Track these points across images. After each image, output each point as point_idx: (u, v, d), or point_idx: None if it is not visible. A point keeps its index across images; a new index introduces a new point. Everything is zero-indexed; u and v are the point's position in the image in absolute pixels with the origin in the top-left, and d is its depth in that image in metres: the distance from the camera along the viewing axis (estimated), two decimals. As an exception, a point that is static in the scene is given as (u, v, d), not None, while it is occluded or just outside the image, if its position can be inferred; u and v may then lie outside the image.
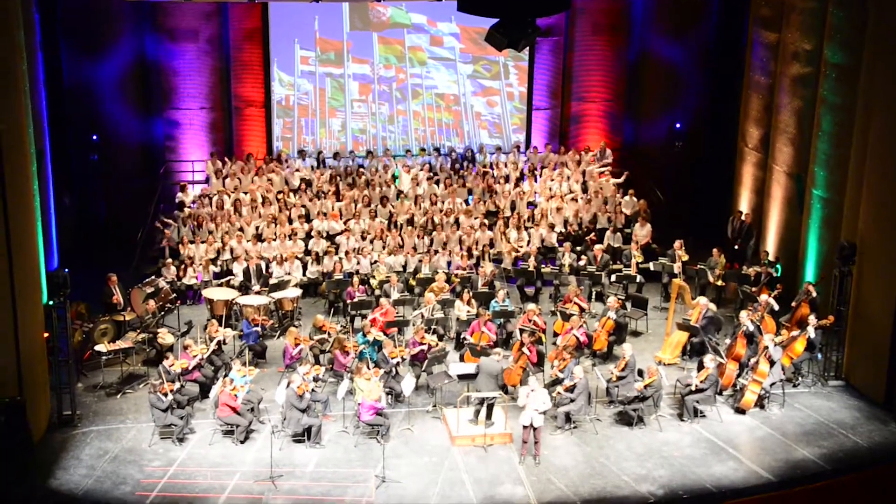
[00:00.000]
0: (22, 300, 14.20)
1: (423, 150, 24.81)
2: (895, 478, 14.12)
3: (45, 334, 15.30)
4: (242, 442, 14.70)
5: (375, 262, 20.38)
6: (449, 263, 20.39)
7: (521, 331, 17.07)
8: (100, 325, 17.29)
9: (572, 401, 14.98)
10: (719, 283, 19.73)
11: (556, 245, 21.26)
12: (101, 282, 18.30)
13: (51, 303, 15.19)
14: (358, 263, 20.29)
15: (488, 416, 15.02)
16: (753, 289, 18.90)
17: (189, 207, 21.97)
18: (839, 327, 16.91)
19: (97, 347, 16.71)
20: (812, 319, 16.72)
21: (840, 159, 17.61)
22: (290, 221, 21.59)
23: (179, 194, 22.48)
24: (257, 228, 21.32)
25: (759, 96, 21.29)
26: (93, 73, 22.17)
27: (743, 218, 21.67)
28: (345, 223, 21.57)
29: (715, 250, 20.07)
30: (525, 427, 14.30)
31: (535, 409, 14.24)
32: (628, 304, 19.02)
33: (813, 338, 16.55)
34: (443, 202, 22.50)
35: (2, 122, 13.59)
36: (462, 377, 15.93)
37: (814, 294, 17.57)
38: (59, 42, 21.31)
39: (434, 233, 21.36)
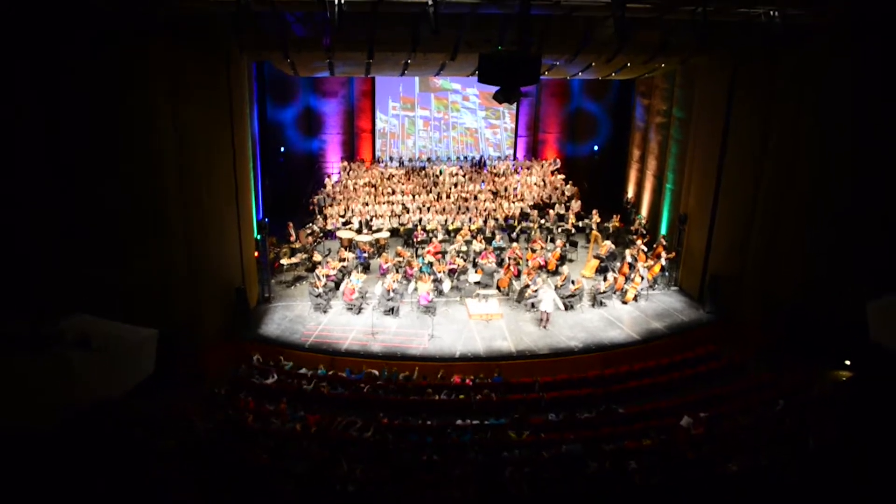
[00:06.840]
0: (243, 235, 14.46)
1: (457, 158, 24.55)
2: (701, 335, 14.25)
3: (255, 254, 15.58)
4: (357, 314, 14.95)
5: (430, 218, 20.27)
6: (469, 219, 20.28)
7: (509, 258, 17.13)
8: (282, 249, 17.51)
9: (536, 294, 15.06)
10: (610, 231, 19.18)
11: (528, 211, 21.05)
12: (284, 225, 18.43)
13: (258, 237, 15.51)
14: (420, 220, 20.23)
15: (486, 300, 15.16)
16: (634, 237, 18.78)
17: (331, 187, 21.89)
18: (678, 258, 16.84)
19: (281, 261, 16.97)
20: (664, 254, 16.71)
21: (680, 168, 17.39)
22: (384, 195, 21.52)
23: (325, 180, 22.48)
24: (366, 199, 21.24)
25: (639, 133, 20.95)
26: (281, 114, 22.11)
27: (629, 199, 21.42)
28: (412, 197, 21.45)
29: (595, 212, 19.81)
30: (544, 311, 14.39)
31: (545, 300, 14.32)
32: (568, 244, 18.89)
33: (664, 264, 16.55)
34: (466, 187, 22.28)
35: (236, 146, 13.70)
36: (476, 283, 16.08)
37: (664, 243, 17.50)
38: (265, 97, 21.26)
39: (461, 203, 21.22)
